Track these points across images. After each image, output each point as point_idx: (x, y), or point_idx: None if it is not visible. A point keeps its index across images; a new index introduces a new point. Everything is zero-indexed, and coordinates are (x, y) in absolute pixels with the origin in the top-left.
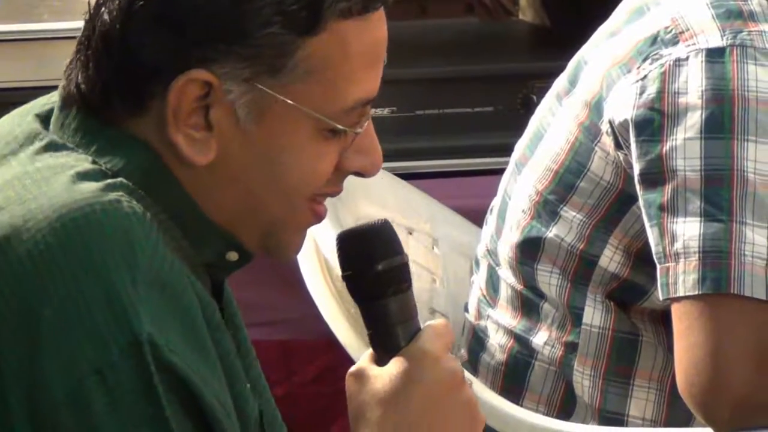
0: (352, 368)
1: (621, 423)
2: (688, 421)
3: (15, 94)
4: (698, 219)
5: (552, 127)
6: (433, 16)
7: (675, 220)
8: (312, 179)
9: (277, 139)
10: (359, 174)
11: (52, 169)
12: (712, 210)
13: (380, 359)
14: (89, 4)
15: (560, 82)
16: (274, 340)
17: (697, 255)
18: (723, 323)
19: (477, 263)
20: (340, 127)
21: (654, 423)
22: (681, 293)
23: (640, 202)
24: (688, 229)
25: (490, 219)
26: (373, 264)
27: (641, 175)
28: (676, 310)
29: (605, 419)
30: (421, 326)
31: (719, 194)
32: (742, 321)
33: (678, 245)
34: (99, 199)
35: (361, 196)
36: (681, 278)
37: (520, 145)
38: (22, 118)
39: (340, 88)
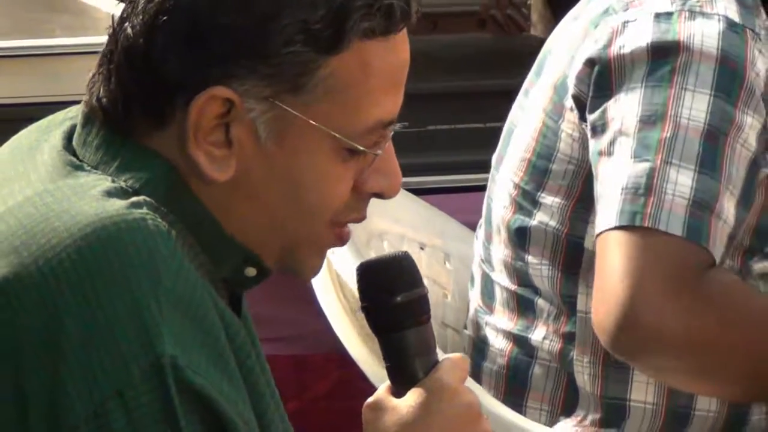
0: (369, 399)
1: (623, 408)
2: (689, 403)
3: (28, 110)
4: (627, 159)
5: (521, 120)
6: (445, 32)
7: (608, 162)
8: (330, 200)
9: (296, 159)
10: (378, 195)
11: (72, 189)
12: (641, 151)
13: (397, 391)
14: (113, 17)
15: (528, 79)
16: (287, 355)
17: (619, 192)
18: (633, 254)
19: (472, 280)
20: (359, 147)
21: (656, 406)
22: (601, 228)
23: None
24: (617, 170)
25: (480, 232)
26: (393, 296)
27: (591, 129)
28: (597, 245)
29: (608, 406)
30: (439, 359)
31: (649, 136)
32: (651, 253)
33: (605, 185)
34: (124, 218)
35: (374, 211)
36: (603, 215)
37: (497, 150)
38: (40, 133)
39: (359, 109)
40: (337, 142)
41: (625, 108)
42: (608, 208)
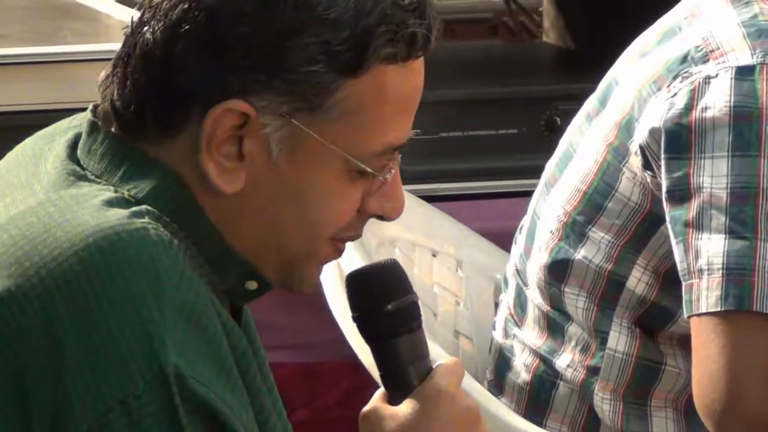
0: (365, 408)
1: None
2: None
3: (38, 117)
4: (723, 236)
5: (581, 147)
6: (458, 38)
7: (700, 236)
8: (334, 219)
9: (305, 176)
10: (379, 218)
11: (75, 198)
12: (737, 227)
13: (393, 399)
14: (132, 19)
15: (590, 102)
16: (298, 362)
17: (720, 272)
18: (741, 339)
19: (506, 282)
20: (368, 170)
21: None
22: (703, 309)
23: (667, 218)
24: (713, 246)
25: (519, 238)
26: (383, 304)
27: (668, 191)
28: (696, 324)
29: None
30: (433, 365)
31: (744, 211)
32: (762, 338)
33: (702, 262)
34: (126, 227)
35: None
36: (704, 294)
37: (550, 165)
38: (45, 141)
39: (372, 132)
40: (347, 163)
41: (713, 177)
42: (709, 289)
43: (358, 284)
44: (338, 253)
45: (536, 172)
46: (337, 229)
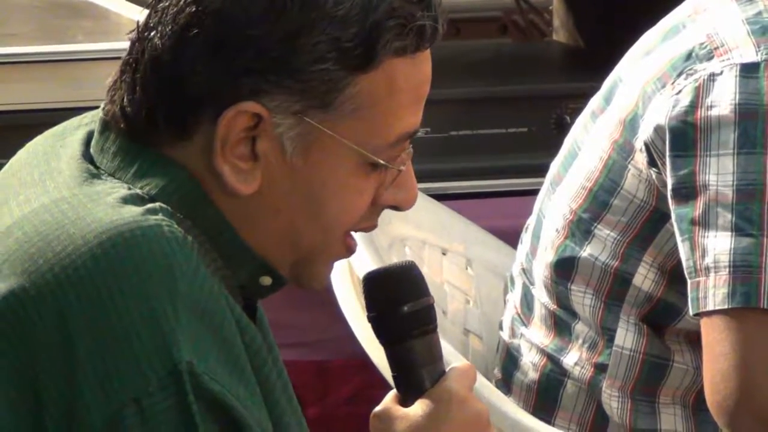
0: (377, 408)
1: None
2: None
3: (48, 116)
4: (729, 233)
5: (586, 145)
6: (467, 37)
7: (706, 234)
8: (350, 213)
9: (319, 173)
10: (394, 208)
11: (88, 196)
12: (743, 224)
13: (405, 400)
14: (138, 23)
15: (595, 101)
16: (309, 360)
17: (727, 269)
18: (751, 336)
19: (512, 281)
20: (382, 162)
21: None
22: (711, 307)
23: (672, 216)
24: (719, 244)
25: (525, 238)
26: (399, 306)
27: (673, 189)
28: (704, 323)
29: None
30: (446, 368)
31: (750, 209)
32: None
33: (708, 259)
34: (140, 224)
35: (396, 217)
36: (711, 292)
37: (555, 164)
38: (55, 139)
39: (384, 124)
40: (361, 157)
41: (719, 175)
42: (716, 287)
43: (374, 285)
44: (350, 249)
45: (546, 171)
46: (352, 224)
